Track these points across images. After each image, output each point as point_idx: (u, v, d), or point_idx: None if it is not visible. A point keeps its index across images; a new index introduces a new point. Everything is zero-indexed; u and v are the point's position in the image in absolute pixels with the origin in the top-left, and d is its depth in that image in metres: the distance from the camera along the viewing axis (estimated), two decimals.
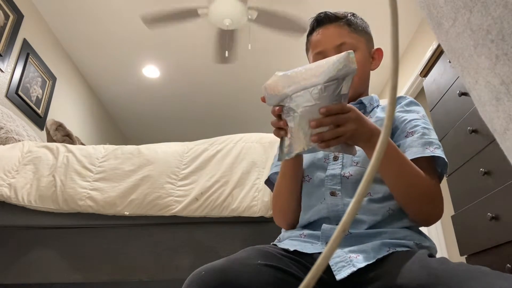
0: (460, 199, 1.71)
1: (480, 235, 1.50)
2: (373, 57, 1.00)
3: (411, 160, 0.76)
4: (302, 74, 0.66)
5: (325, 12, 0.96)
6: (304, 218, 0.84)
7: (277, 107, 0.69)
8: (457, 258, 2.66)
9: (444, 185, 1.91)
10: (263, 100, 0.71)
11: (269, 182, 1.00)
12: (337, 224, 0.77)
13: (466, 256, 1.63)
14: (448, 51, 0.31)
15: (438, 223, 3.06)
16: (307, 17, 1.04)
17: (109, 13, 3.21)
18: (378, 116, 0.89)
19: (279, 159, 0.73)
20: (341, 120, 0.66)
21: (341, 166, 0.83)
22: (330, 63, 0.64)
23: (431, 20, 0.31)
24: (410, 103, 0.92)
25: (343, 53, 0.64)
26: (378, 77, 3.98)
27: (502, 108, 0.26)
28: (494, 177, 1.45)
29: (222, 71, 3.98)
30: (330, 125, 0.65)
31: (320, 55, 0.94)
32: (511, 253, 1.33)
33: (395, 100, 0.27)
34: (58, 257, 1.46)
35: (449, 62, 1.51)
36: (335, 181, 0.81)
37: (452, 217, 1.74)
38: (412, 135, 0.82)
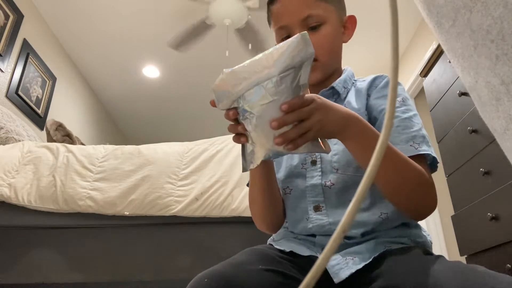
0: (460, 199, 1.71)
1: (480, 235, 1.50)
2: (345, 26, 0.87)
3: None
4: (252, 67, 0.56)
5: None
6: (294, 231, 0.79)
7: (231, 111, 0.59)
8: (457, 258, 2.66)
9: (444, 185, 1.91)
10: (213, 104, 0.60)
11: None
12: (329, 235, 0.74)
13: (466, 256, 1.63)
14: (448, 51, 0.31)
15: (438, 223, 3.06)
16: None
17: (109, 13, 3.21)
18: (353, 107, 0.79)
19: (243, 170, 0.63)
20: (305, 114, 0.57)
21: (320, 172, 0.76)
22: (283, 50, 0.54)
23: (431, 20, 0.31)
24: (386, 85, 0.80)
25: (296, 36, 0.54)
26: None
27: (502, 108, 0.26)
28: (494, 177, 1.45)
29: (222, 71, 3.98)
30: (293, 122, 0.56)
31: (283, 30, 0.82)
32: (511, 253, 1.33)
33: (395, 100, 0.27)
34: (58, 257, 1.46)
35: (449, 62, 1.51)
36: (316, 191, 0.75)
37: (452, 217, 1.74)
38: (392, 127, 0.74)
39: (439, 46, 1.94)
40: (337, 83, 0.83)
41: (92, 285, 1.50)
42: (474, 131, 1.59)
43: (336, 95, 0.83)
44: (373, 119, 0.77)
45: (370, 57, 3.43)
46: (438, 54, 1.99)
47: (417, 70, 3.19)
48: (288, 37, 0.81)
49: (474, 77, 0.28)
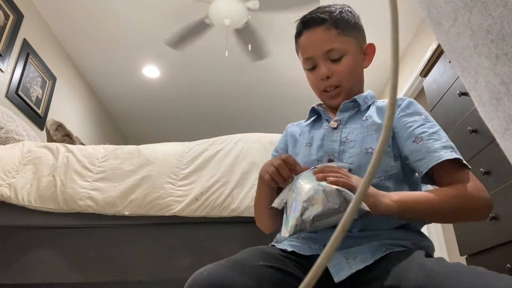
0: None
1: (480, 235, 1.50)
2: (365, 53, 0.97)
3: (435, 165, 0.75)
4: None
5: (311, 14, 0.92)
6: None
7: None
8: (457, 258, 2.66)
9: None
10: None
11: None
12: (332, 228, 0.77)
13: (466, 256, 1.63)
14: (448, 51, 0.31)
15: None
16: None
17: (109, 13, 3.21)
18: (374, 120, 0.87)
19: (271, 206, 0.76)
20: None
21: None
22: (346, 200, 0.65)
23: (431, 20, 0.31)
24: (409, 105, 0.89)
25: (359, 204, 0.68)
26: (378, 77, 3.98)
27: (502, 108, 0.26)
28: (494, 177, 1.45)
29: (222, 71, 3.98)
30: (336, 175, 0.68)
31: (310, 60, 0.93)
32: (511, 253, 1.33)
33: (395, 100, 0.27)
34: (58, 257, 1.46)
35: (449, 62, 1.51)
36: None
37: None
38: (422, 141, 0.79)
39: (439, 46, 1.94)
40: (358, 97, 0.93)
41: (92, 285, 1.50)
42: (474, 131, 1.59)
43: (356, 108, 0.93)
44: (397, 133, 0.85)
45: None
46: (438, 54, 1.99)
47: (417, 70, 3.19)
48: (314, 67, 0.93)
49: (474, 77, 0.28)
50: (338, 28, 0.90)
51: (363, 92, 0.97)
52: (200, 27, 3.04)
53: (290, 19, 3.03)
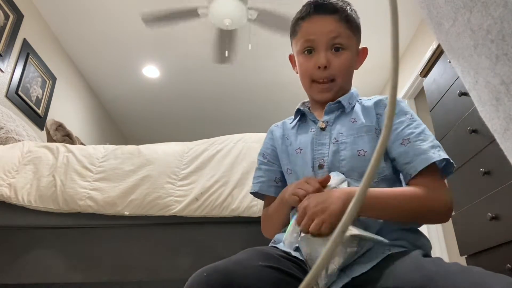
0: (460, 199, 1.71)
1: (480, 235, 1.50)
2: (358, 55, 0.97)
3: (422, 170, 0.76)
4: None
5: (324, 0, 0.91)
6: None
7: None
8: (457, 258, 2.66)
9: None
10: None
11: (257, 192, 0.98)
12: None
13: (466, 256, 1.63)
14: (448, 51, 0.31)
15: None
16: None
17: (109, 13, 3.21)
18: (362, 122, 0.86)
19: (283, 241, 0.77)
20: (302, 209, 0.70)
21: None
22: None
23: (431, 20, 0.31)
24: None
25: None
26: (378, 77, 3.97)
27: (502, 108, 0.26)
28: (494, 177, 1.45)
29: (222, 71, 3.98)
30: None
31: (310, 43, 0.91)
32: (511, 253, 1.33)
33: (395, 100, 0.27)
34: (58, 257, 1.46)
35: (449, 62, 1.51)
36: None
37: (452, 217, 1.74)
38: (409, 142, 0.80)
39: (439, 46, 1.94)
40: (343, 98, 0.92)
41: (92, 285, 1.50)
42: (474, 131, 1.59)
43: (341, 109, 0.92)
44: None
45: (370, 57, 3.42)
46: (438, 54, 1.99)
47: (417, 70, 3.19)
48: (311, 52, 0.92)
49: (474, 77, 0.28)
50: (348, 23, 0.91)
51: (349, 91, 0.97)
52: (188, 14, 2.92)
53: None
